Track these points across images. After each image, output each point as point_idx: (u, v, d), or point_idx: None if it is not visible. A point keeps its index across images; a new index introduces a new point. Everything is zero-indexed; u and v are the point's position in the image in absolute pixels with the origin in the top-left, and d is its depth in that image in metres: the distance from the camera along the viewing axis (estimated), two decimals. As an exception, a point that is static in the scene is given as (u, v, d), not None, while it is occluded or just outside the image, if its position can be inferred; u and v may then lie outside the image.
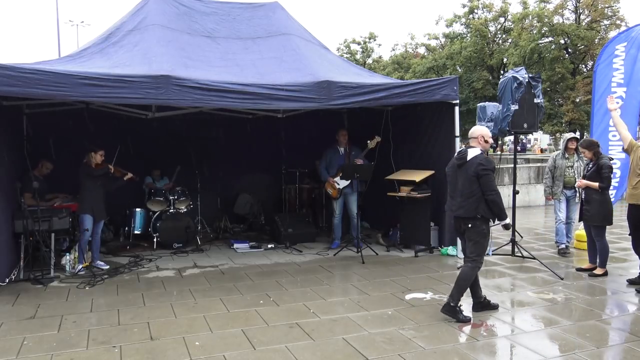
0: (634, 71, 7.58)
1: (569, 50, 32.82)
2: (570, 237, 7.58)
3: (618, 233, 8.64)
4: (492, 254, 7.03)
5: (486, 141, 4.76)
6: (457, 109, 7.19)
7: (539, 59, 31.68)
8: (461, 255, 7.13)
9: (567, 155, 7.31)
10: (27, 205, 6.05)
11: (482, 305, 4.88)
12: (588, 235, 6.25)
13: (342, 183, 7.74)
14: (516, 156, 7.47)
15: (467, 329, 4.47)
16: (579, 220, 6.40)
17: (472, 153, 4.66)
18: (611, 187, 6.83)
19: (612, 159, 6.74)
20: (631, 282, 5.74)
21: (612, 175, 6.07)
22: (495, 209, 4.62)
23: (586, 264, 6.38)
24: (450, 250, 7.23)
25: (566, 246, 7.35)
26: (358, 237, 7.41)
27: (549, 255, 7.29)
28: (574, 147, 7.32)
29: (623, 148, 5.95)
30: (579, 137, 8.52)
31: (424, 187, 7.36)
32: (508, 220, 4.75)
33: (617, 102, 7.36)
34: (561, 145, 7.51)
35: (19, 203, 6.17)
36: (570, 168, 7.26)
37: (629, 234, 5.84)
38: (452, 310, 4.60)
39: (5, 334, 4.31)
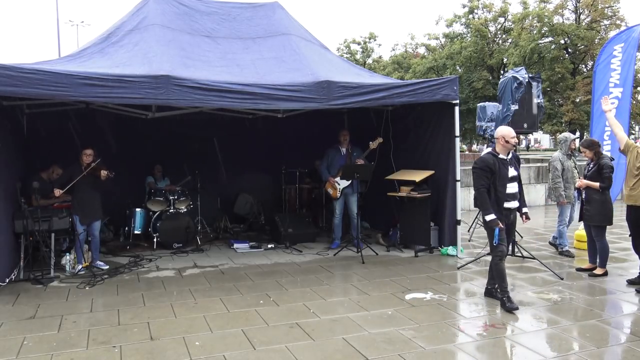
0: (629, 72, 7.60)
1: (569, 50, 32.85)
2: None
3: (618, 233, 8.64)
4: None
5: (507, 141, 4.95)
6: (457, 109, 7.18)
7: (539, 59, 31.70)
8: (461, 255, 7.16)
9: (569, 156, 7.20)
10: (35, 206, 6.04)
11: (490, 292, 5.27)
12: (588, 235, 6.25)
13: (343, 183, 7.73)
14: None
15: (467, 328, 4.47)
16: (579, 220, 6.40)
17: (483, 153, 5.16)
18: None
19: (614, 158, 6.73)
20: (631, 282, 5.74)
21: (613, 175, 6.07)
22: (478, 204, 5.10)
23: (586, 264, 6.38)
24: (450, 250, 7.23)
25: (568, 248, 7.34)
26: (358, 237, 7.41)
27: (549, 255, 7.29)
28: (574, 147, 7.27)
29: (619, 149, 5.94)
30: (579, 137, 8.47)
31: (424, 187, 7.36)
32: (489, 217, 4.89)
33: (613, 103, 7.37)
34: (563, 146, 7.22)
35: (19, 203, 6.17)
36: (574, 168, 7.16)
37: (629, 235, 5.84)
38: (492, 296, 5.21)
39: (5, 334, 4.31)
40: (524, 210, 5.18)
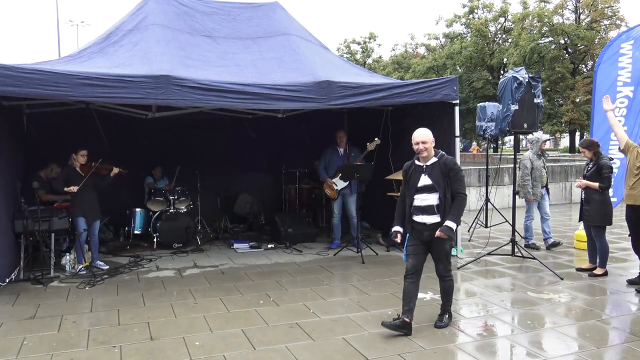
0: None
1: (569, 50, 32.85)
2: (549, 231, 7.76)
3: (618, 233, 8.64)
4: (492, 254, 7.03)
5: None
6: (457, 109, 7.17)
7: (539, 58, 31.70)
8: (461, 255, 7.15)
9: (539, 155, 7.58)
10: (43, 201, 6.07)
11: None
12: (588, 235, 6.25)
13: (340, 184, 7.74)
14: (516, 156, 7.48)
15: (467, 329, 4.47)
16: (579, 220, 6.41)
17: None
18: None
19: (612, 159, 6.74)
20: (631, 282, 5.75)
21: (612, 176, 6.08)
22: None
23: (586, 264, 6.38)
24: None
25: (534, 241, 7.75)
26: (358, 237, 7.41)
27: (549, 255, 7.29)
28: (544, 147, 7.67)
29: (619, 148, 5.94)
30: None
31: (424, 187, 7.34)
32: (393, 228, 4.52)
33: (622, 102, 7.33)
34: (534, 146, 7.63)
35: (19, 203, 6.17)
36: (543, 168, 7.57)
37: (629, 235, 5.84)
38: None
39: (5, 334, 4.31)
40: (446, 223, 4.20)
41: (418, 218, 4.35)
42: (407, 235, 4.47)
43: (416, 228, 4.38)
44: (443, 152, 4.41)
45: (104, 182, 6.70)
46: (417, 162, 4.42)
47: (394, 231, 4.50)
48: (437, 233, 4.21)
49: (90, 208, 6.49)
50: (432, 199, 4.29)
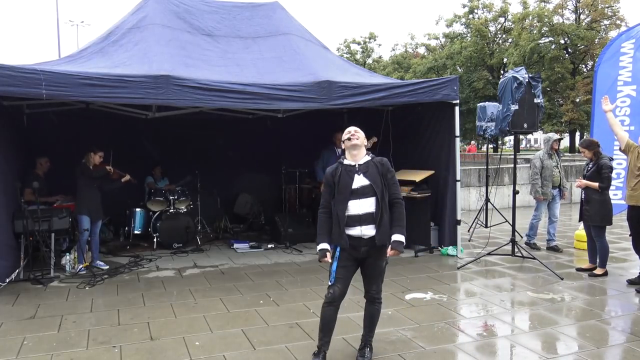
0: None
1: (569, 50, 32.86)
2: (554, 233, 7.71)
3: (618, 233, 8.63)
4: (492, 254, 7.03)
5: (342, 142, 3.78)
6: (457, 109, 7.18)
7: (539, 58, 31.72)
8: (461, 255, 7.15)
9: (551, 155, 7.54)
10: (26, 200, 6.05)
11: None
12: (588, 235, 6.25)
13: None
14: (516, 156, 7.48)
15: (467, 328, 4.47)
16: (579, 220, 6.41)
17: None
18: (614, 187, 6.84)
19: (613, 159, 6.74)
20: (631, 282, 5.74)
21: (612, 175, 6.08)
22: None
23: (586, 264, 6.38)
24: (451, 250, 7.23)
25: (535, 241, 7.71)
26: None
27: (549, 255, 7.28)
28: (557, 147, 7.62)
29: (620, 149, 5.93)
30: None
31: (424, 187, 7.35)
32: (318, 246, 3.65)
33: (624, 102, 7.32)
34: (544, 145, 7.62)
35: (19, 203, 6.17)
36: (555, 168, 7.51)
37: (629, 235, 5.84)
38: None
39: (5, 334, 4.31)
40: (395, 238, 3.57)
41: (354, 231, 3.55)
42: (337, 254, 3.61)
43: (351, 244, 3.57)
44: (373, 155, 3.76)
45: (112, 185, 6.79)
46: (345, 162, 3.68)
47: (322, 249, 3.60)
48: (390, 252, 3.58)
49: (95, 208, 6.54)
50: (369, 204, 3.54)
